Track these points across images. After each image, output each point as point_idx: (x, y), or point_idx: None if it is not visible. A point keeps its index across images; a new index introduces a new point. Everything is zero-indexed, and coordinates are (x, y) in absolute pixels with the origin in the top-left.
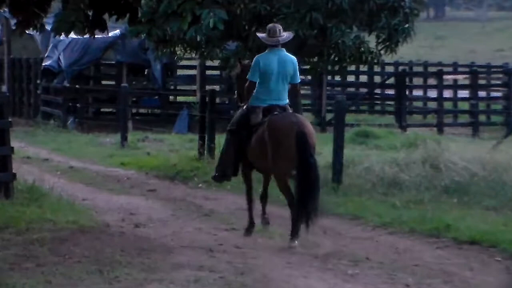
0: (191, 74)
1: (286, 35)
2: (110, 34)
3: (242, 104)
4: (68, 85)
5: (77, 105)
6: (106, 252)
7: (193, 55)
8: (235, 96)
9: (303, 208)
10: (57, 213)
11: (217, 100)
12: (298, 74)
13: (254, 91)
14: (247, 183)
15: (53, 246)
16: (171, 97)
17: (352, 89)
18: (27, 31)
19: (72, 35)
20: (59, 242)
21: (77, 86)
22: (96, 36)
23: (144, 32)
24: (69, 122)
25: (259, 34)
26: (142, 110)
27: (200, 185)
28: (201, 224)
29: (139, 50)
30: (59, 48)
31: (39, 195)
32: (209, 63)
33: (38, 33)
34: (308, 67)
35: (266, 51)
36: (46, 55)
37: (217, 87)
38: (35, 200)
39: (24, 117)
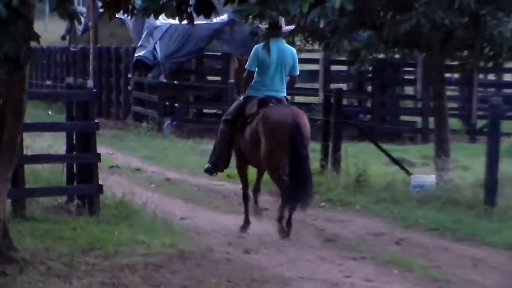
0: (312, 70)
1: (287, 28)
2: (216, 20)
3: (240, 96)
4: (165, 80)
5: (176, 104)
6: (209, 283)
7: (316, 47)
8: (235, 89)
9: (293, 200)
10: (151, 234)
11: (344, 102)
12: (298, 67)
13: (253, 81)
14: (243, 180)
15: (146, 273)
16: (288, 97)
17: (509, 91)
18: (117, 15)
19: (172, 21)
20: (153, 269)
21: (175, 82)
22: (199, 22)
23: (255, 14)
24: (165, 125)
25: (261, 26)
26: None
27: (323, 204)
28: (324, 251)
29: (250, 39)
30: (155, 36)
31: (130, 212)
32: (335, 56)
33: (129, 17)
34: (455, 63)
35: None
36: (139, 44)
37: (344, 86)
38: (124, 218)
39: (112, 119)
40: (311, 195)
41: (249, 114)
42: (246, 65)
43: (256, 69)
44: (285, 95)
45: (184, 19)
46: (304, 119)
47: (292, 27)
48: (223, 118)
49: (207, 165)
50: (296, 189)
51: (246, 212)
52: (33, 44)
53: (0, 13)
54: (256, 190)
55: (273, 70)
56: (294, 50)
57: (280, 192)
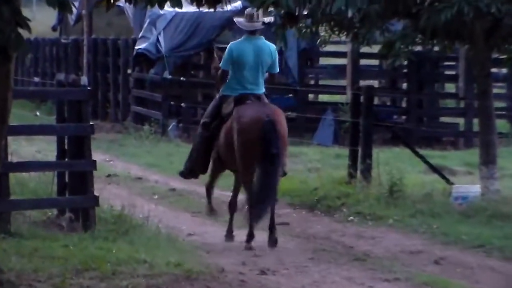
0: (339, 65)
1: (264, 21)
2: (228, 7)
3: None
4: (169, 77)
5: (182, 104)
6: None
7: (343, 38)
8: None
9: (259, 203)
10: (154, 252)
11: (375, 101)
12: (278, 63)
13: (227, 79)
14: (211, 180)
15: None
16: (310, 96)
17: None
18: (116, 3)
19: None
20: None
21: (182, 78)
22: (208, 11)
23: (270, 2)
24: (170, 127)
25: (237, 19)
26: None
27: (351, 218)
28: (352, 271)
29: (266, 30)
30: (159, 26)
31: (130, 227)
32: (365, 49)
33: (129, 5)
34: (502, 56)
35: (242, 38)
36: (140, 35)
37: (375, 83)
38: (124, 234)
39: (109, 120)
40: (270, 204)
41: (225, 113)
42: (220, 63)
43: (231, 67)
44: (263, 92)
45: (202, 5)
46: (280, 117)
47: (270, 18)
48: (202, 121)
49: (182, 168)
50: (262, 191)
51: (209, 199)
52: (23, 33)
53: None
54: (232, 204)
55: (249, 69)
56: (273, 46)
57: (246, 198)
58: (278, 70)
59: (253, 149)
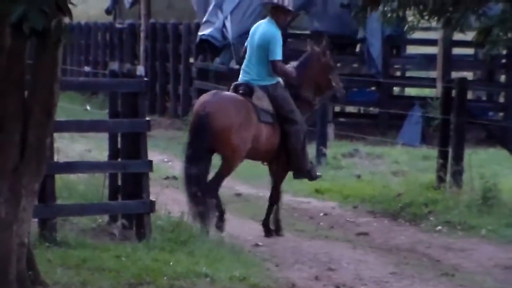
0: (428, 54)
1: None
2: None
3: None
4: (237, 66)
5: None
6: None
7: (434, 24)
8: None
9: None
10: (217, 265)
11: (469, 95)
12: (275, 50)
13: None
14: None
15: None
16: (395, 89)
17: None
18: None
19: None
20: None
21: None
22: None
23: None
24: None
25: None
26: (350, 109)
27: (439, 227)
28: (440, 287)
29: (347, 14)
30: (225, 9)
31: (189, 236)
32: (458, 36)
33: None
34: None
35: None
36: (204, 20)
37: (469, 75)
38: (182, 244)
39: (168, 116)
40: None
41: None
42: None
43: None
44: (264, 82)
45: None
46: (222, 111)
47: None
48: None
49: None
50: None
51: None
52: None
53: None
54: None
55: (251, 54)
56: (273, 30)
57: None
58: (276, 57)
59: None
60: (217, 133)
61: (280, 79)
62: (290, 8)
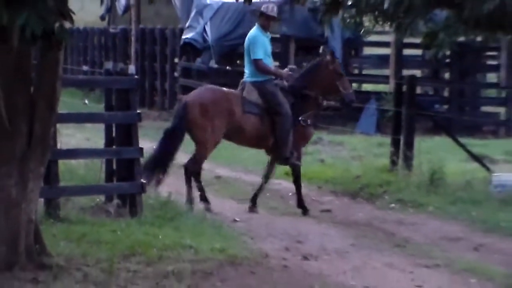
0: (382, 54)
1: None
2: None
3: None
4: (216, 66)
5: None
6: None
7: (387, 28)
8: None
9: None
10: (200, 238)
11: (418, 90)
12: (255, 50)
13: None
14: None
15: (193, 281)
16: (354, 85)
17: None
18: None
19: None
20: (201, 276)
21: (228, 67)
22: (255, 0)
23: None
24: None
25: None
26: None
27: (393, 205)
28: (392, 257)
29: (312, 20)
30: (205, 15)
31: (176, 213)
32: (408, 39)
33: None
34: None
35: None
36: (187, 25)
37: (418, 73)
38: (170, 220)
39: (156, 109)
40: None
41: None
42: None
43: None
44: (253, 79)
45: None
46: (199, 103)
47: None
48: None
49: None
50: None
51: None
52: (66, 24)
53: None
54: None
55: (245, 56)
56: (254, 33)
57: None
58: (255, 56)
59: None
60: (190, 120)
61: (272, 77)
62: (274, 14)
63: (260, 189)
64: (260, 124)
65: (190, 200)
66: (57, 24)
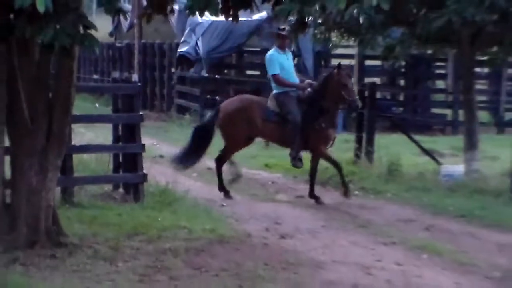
0: (348, 65)
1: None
2: (255, 17)
3: None
4: (206, 74)
5: (216, 97)
6: (247, 266)
7: (351, 42)
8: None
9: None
10: (193, 220)
11: (378, 95)
12: (269, 67)
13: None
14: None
15: (187, 257)
16: None
17: None
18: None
19: (213, 18)
20: (194, 253)
21: (216, 76)
22: (240, 19)
23: (294, 10)
24: (206, 116)
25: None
26: None
27: (356, 192)
28: (356, 236)
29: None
30: (197, 32)
31: (173, 199)
32: (368, 52)
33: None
34: (484, 58)
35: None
36: (182, 40)
37: (377, 80)
38: (168, 205)
39: (156, 111)
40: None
41: None
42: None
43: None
44: (274, 91)
45: (229, 17)
46: (226, 111)
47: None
48: None
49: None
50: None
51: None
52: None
53: (47, 4)
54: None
55: None
56: (269, 54)
57: None
58: (270, 72)
59: None
60: (219, 124)
61: (288, 89)
62: (285, 33)
63: (311, 183)
64: (276, 129)
65: (234, 177)
66: (84, 34)
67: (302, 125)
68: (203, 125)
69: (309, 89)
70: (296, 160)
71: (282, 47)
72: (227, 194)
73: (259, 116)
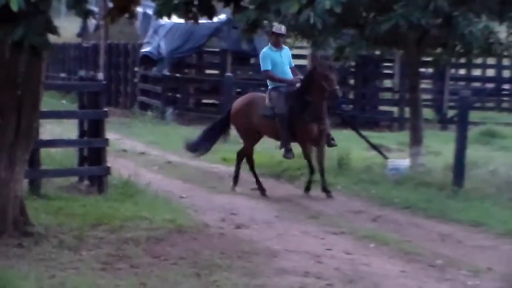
0: (301, 65)
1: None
2: (215, 19)
3: None
4: (168, 73)
5: (177, 95)
6: (204, 254)
7: (305, 44)
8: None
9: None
10: (153, 211)
11: None
12: (261, 63)
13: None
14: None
15: (148, 246)
16: None
17: (477, 84)
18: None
19: (176, 19)
20: (154, 242)
21: (177, 75)
22: (200, 21)
23: (253, 18)
24: (168, 113)
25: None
26: None
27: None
28: (308, 226)
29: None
30: (160, 33)
31: (135, 191)
32: (321, 52)
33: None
34: (429, 59)
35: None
36: (145, 40)
37: None
38: (130, 196)
39: (120, 107)
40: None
41: None
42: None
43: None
44: (269, 87)
45: (190, 19)
46: (235, 105)
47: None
48: None
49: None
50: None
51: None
52: (53, 37)
53: (20, 4)
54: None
55: None
56: (262, 51)
57: None
58: (262, 68)
59: None
60: (230, 116)
61: (278, 84)
62: (282, 32)
63: (322, 176)
64: (270, 124)
65: (235, 179)
66: (43, 38)
67: (288, 119)
68: (220, 119)
69: (298, 84)
70: (286, 152)
71: (276, 45)
72: (260, 188)
73: (256, 111)
